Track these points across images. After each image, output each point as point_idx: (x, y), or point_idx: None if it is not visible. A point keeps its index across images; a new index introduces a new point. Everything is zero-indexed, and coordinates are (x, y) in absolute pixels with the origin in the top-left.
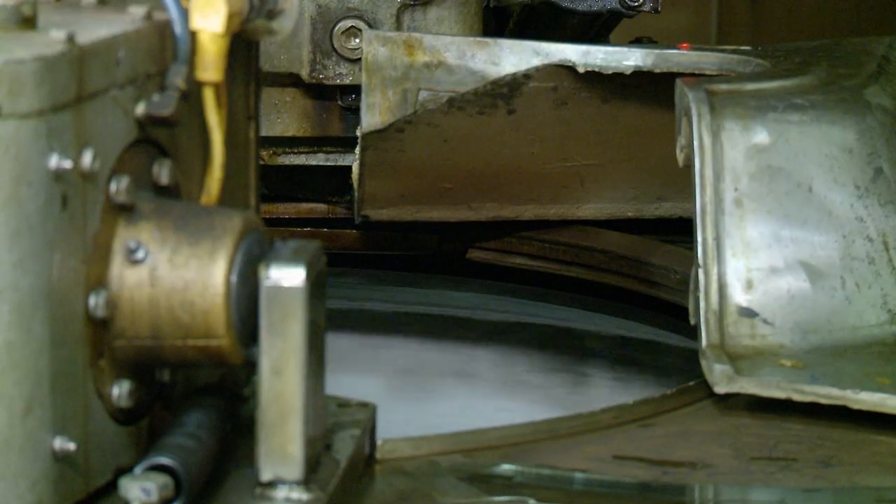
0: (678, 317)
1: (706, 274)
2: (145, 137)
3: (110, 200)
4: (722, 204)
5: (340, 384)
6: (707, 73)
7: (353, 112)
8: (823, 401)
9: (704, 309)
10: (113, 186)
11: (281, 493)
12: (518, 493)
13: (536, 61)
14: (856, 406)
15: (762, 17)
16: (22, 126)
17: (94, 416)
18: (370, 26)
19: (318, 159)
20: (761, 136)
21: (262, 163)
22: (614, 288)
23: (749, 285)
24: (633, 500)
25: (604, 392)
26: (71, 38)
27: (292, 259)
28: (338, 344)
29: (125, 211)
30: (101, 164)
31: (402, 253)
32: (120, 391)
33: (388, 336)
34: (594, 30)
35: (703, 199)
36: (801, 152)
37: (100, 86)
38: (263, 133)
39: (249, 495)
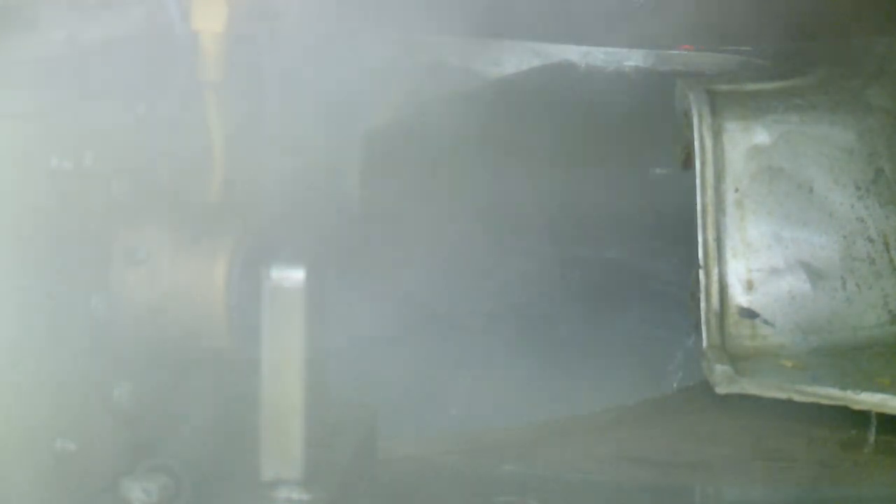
0: (678, 316)
1: (707, 275)
2: (146, 138)
3: (111, 200)
4: (723, 204)
5: (340, 385)
6: (707, 73)
7: None
8: (824, 401)
9: (705, 309)
10: (114, 187)
11: (282, 493)
12: (518, 493)
13: (537, 62)
14: (856, 406)
15: (762, 17)
16: (22, 126)
17: (94, 416)
18: None
19: None
20: (762, 137)
21: None
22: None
23: (750, 286)
24: (634, 500)
25: (604, 392)
26: (72, 39)
27: (293, 259)
28: (338, 343)
29: (126, 211)
30: (102, 164)
31: None
32: (120, 391)
33: (389, 336)
34: None
35: (703, 199)
36: (802, 153)
37: (101, 86)
38: None
39: (250, 495)
